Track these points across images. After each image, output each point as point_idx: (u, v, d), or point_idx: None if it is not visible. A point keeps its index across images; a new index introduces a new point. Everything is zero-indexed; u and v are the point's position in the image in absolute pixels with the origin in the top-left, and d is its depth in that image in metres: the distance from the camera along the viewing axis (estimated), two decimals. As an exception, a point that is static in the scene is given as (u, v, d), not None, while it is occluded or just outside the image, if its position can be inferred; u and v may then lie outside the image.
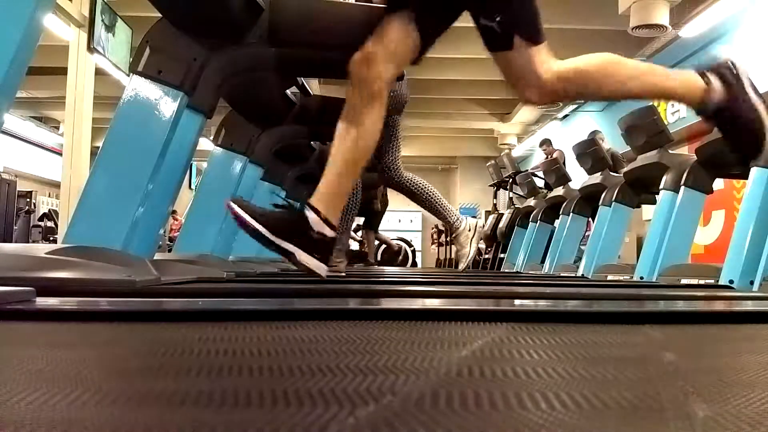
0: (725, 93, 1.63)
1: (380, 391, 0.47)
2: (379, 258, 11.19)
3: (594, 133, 5.84)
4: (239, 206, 1.64)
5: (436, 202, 3.20)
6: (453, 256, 3.43)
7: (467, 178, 16.79)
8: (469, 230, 3.14)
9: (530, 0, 1.59)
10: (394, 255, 9.42)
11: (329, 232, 1.65)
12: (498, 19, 1.55)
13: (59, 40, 6.86)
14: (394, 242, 10.04)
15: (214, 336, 0.77)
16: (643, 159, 3.96)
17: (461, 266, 3.18)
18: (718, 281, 2.65)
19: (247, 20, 2.08)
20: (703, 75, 1.66)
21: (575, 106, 11.70)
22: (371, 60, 1.64)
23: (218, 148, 3.22)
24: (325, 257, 1.68)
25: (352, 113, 1.66)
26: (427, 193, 3.18)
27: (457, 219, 3.19)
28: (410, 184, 3.19)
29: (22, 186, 10.37)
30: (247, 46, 2.19)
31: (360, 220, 9.09)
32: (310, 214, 1.63)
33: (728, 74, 1.64)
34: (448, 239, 11.82)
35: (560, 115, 12.25)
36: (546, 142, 8.73)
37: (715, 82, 1.64)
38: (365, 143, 1.67)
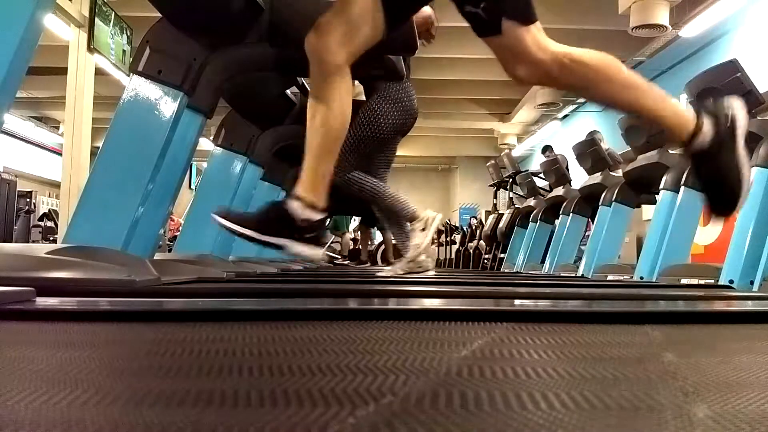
0: (713, 141, 1.53)
1: (380, 391, 0.47)
2: (379, 258, 11.16)
3: (593, 133, 5.84)
4: (223, 217, 1.66)
5: (387, 200, 3.16)
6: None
7: (467, 178, 16.79)
8: (423, 229, 3.07)
9: None
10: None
11: (315, 215, 1.65)
12: (483, 5, 1.52)
13: (59, 40, 6.86)
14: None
15: (214, 336, 0.77)
16: (643, 159, 3.96)
17: (408, 254, 3.13)
18: (718, 281, 2.65)
19: (247, 20, 2.08)
20: (698, 114, 1.56)
21: (575, 106, 11.70)
22: (325, 34, 1.57)
23: (218, 148, 3.22)
24: (316, 241, 1.69)
25: (315, 93, 1.64)
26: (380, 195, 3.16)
27: (413, 212, 3.12)
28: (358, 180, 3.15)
29: (22, 186, 10.37)
30: (247, 46, 2.19)
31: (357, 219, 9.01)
32: (292, 203, 1.64)
33: (723, 123, 1.54)
34: (448, 239, 11.82)
35: (560, 115, 12.25)
36: (548, 149, 8.74)
37: (707, 127, 1.53)
38: (335, 123, 1.63)
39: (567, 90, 1.66)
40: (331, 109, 1.61)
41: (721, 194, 1.57)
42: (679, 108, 1.60)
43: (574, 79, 1.57)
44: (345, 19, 1.59)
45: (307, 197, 1.64)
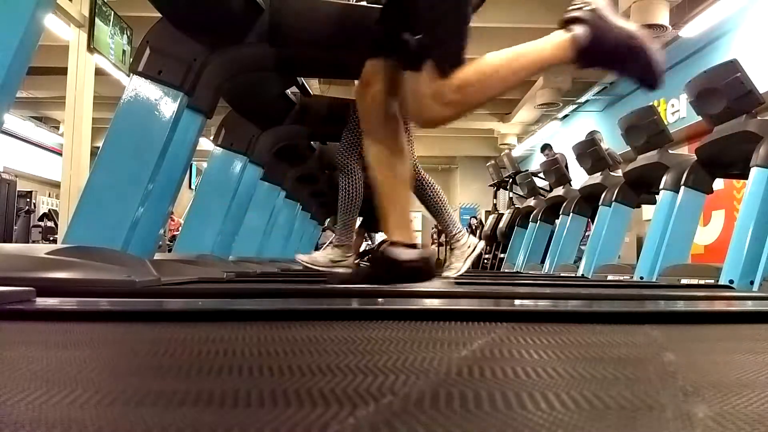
0: (591, 31, 1.58)
1: (380, 391, 0.47)
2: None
3: (593, 133, 5.84)
4: (345, 283, 1.77)
5: (444, 209, 3.23)
6: (446, 263, 3.43)
7: (467, 178, 16.80)
8: (469, 247, 3.11)
9: (459, 36, 1.58)
10: None
11: (414, 252, 1.77)
12: (418, 38, 1.54)
13: (59, 40, 6.86)
14: None
15: (214, 336, 0.77)
16: (643, 159, 3.96)
17: (446, 273, 3.17)
18: (718, 281, 2.65)
19: (247, 20, 2.08)
20: (563, 27, 1.61)
21: (575, 106, 11.70)
22: (371, 84, 1.69)
23: (218, 148, 3.22)
24: (427, 266, 1.80)
25: (376, 138, 1.71)
26: (438, 197, 3.21)
27: (460, 232, 3.19)
28: (425, 183, 3.21)
29: (22, 186, 10.36)
30: (247, 46, 2.19)
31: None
32: (392, 250, 1.74)
33: (586, 14, 1.59)
34: (448, 240, 11.81)
35: (560, 115, 12.24)
36: (547, 147, 8.75)
37: (578, 28, 1.59)
38: (402, 165, 1.72)
39: (474, 110, 1.73)
40: (396, 154, 1.68)
41: (637, 62, 1.60)
42: (550, 40, 1.63)
43: (471, 101, 1.64)
44: (382, 79, 1.71)
45: (401, 240, 1.75)
